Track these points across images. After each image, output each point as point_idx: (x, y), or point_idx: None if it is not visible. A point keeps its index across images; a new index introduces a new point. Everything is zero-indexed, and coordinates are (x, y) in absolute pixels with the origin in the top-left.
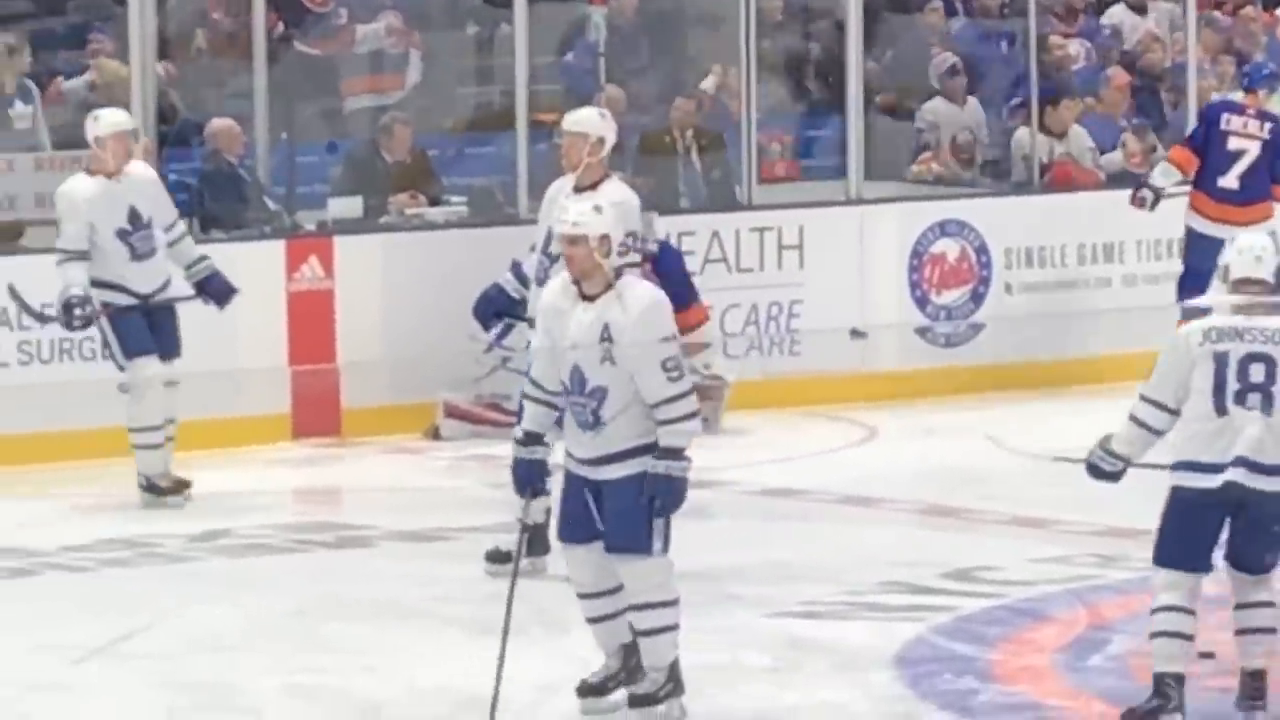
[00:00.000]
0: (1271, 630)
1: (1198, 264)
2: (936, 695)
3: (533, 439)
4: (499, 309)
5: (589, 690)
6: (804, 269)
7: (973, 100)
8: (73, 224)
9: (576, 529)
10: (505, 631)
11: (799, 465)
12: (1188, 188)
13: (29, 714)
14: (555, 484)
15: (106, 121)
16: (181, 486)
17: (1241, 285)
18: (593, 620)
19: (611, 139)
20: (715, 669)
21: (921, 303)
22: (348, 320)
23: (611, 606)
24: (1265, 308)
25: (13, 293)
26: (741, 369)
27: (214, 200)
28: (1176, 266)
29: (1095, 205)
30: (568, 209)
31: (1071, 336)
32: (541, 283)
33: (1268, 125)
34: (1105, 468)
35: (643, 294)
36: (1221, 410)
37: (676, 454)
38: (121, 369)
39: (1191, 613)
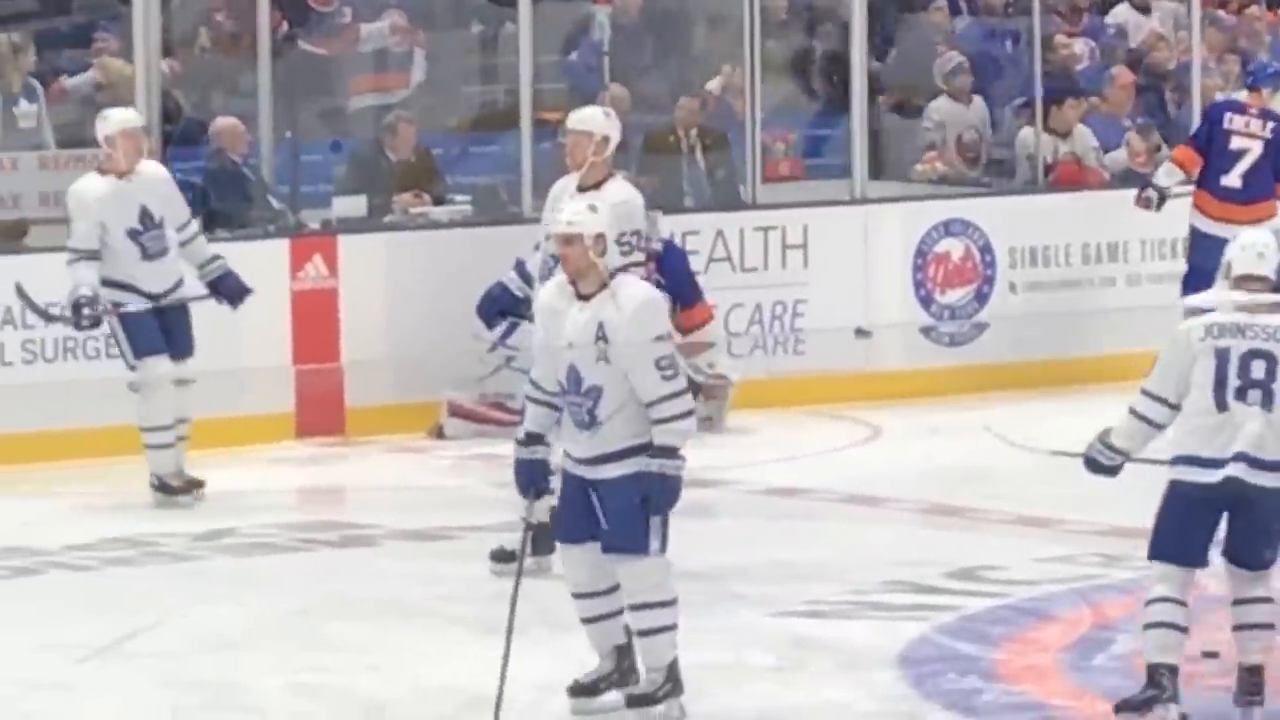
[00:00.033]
0: (1269, 626)
1: (1202, 263)
2: (940, 695)
3: (534, 439)
4: (503, 308)
5: (580, 690)
6: (808, 268)
7: (978, 99)
8: (83, 223)
9: (573, 529)
10: (509, 631)
11: (803, 464)
12: (1192, 187)
13: (33, 713)
14: (558, 483)
15: (115, 120)
16: (192, 486)
17: (1243, 282)
18: (587, 620)
19: (616, 138)
20: (719, 668)
21: (926, 302)
22: (352, 319)
23: (606, 607)
24: (1267, 306)
25: (20, 291)
26: (746, 368)
27: (218, 199)
28: (1180, 266)
29: (1099, 205)
30: (562, 209)
31: (1076, 336)
32: (545, 281)
33: (1270, 124)
34: (1104, 462)
35: (636, 293)
36: (1222, 406)
37: (671, 453)
38: (132, 368)
39: (1184, 604)
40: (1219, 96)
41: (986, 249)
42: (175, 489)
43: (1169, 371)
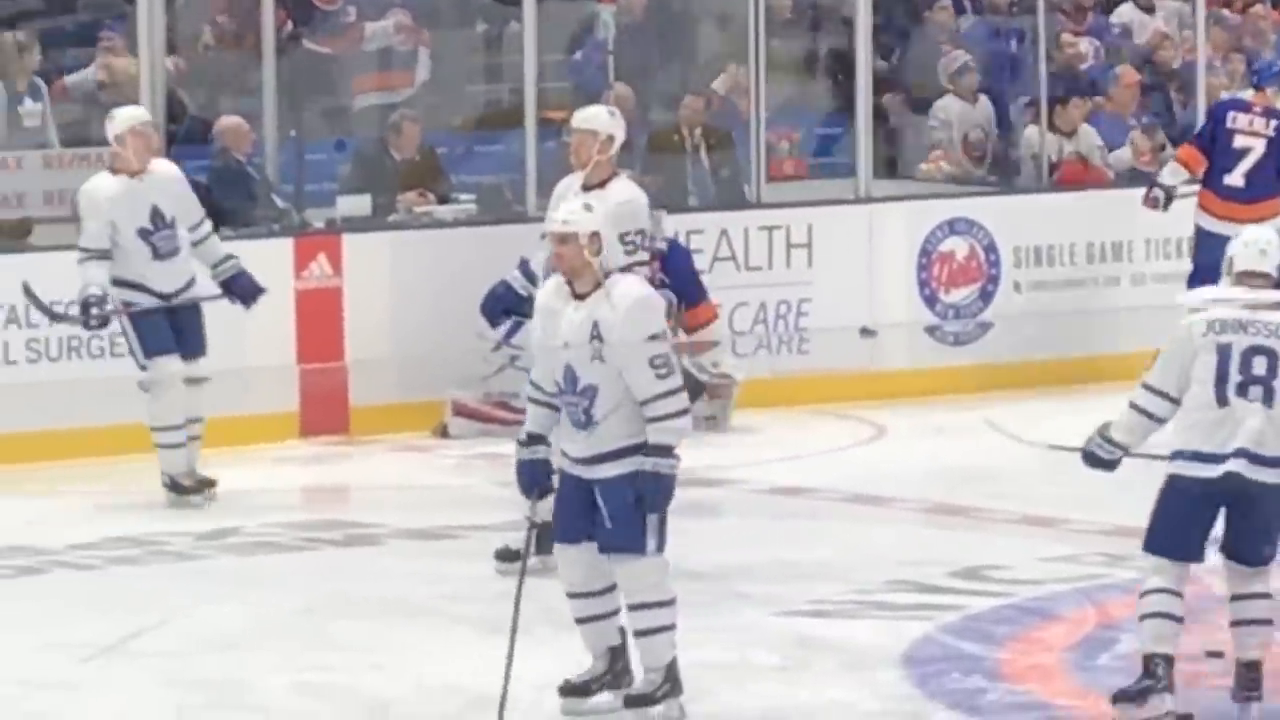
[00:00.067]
0: (1268, 622)
1: (1206, 262)
2: (944, 694)
3: (535, 440)
4: (507, 307)
5: (571, 690)
6: (813, 267)
7: (984, 98)
8: (94, 223)
9: (569, 528)
10: (514, 630)
11: (807, 464)
12: (1198, 186)
13: (37, 712)
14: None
15: (123, 118)
16: (204, 485)
17: (1245, 278)
18: (581, 620)
19: (620, 137)
20: (723, 668)
21: (930, 301)
22: (356, 318)
23: (600, 608)
24: (1269, 303)
25: (26, 290)
26: (750, 367)
27: (222, 198)
28: (1185, 265)
29: (1104, 204)
30: (557, 208)
31: (1080, 335)
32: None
33: (1274, 123)
34: (1102, 456)
35: (630, 291)
36: (1223, 401)
37: (665, 451)
38: (142, 368)
39: (1179, 595)
40: (1224, 95)
41: (991, 248)
42: (187, 489)
43: (1170, 366)
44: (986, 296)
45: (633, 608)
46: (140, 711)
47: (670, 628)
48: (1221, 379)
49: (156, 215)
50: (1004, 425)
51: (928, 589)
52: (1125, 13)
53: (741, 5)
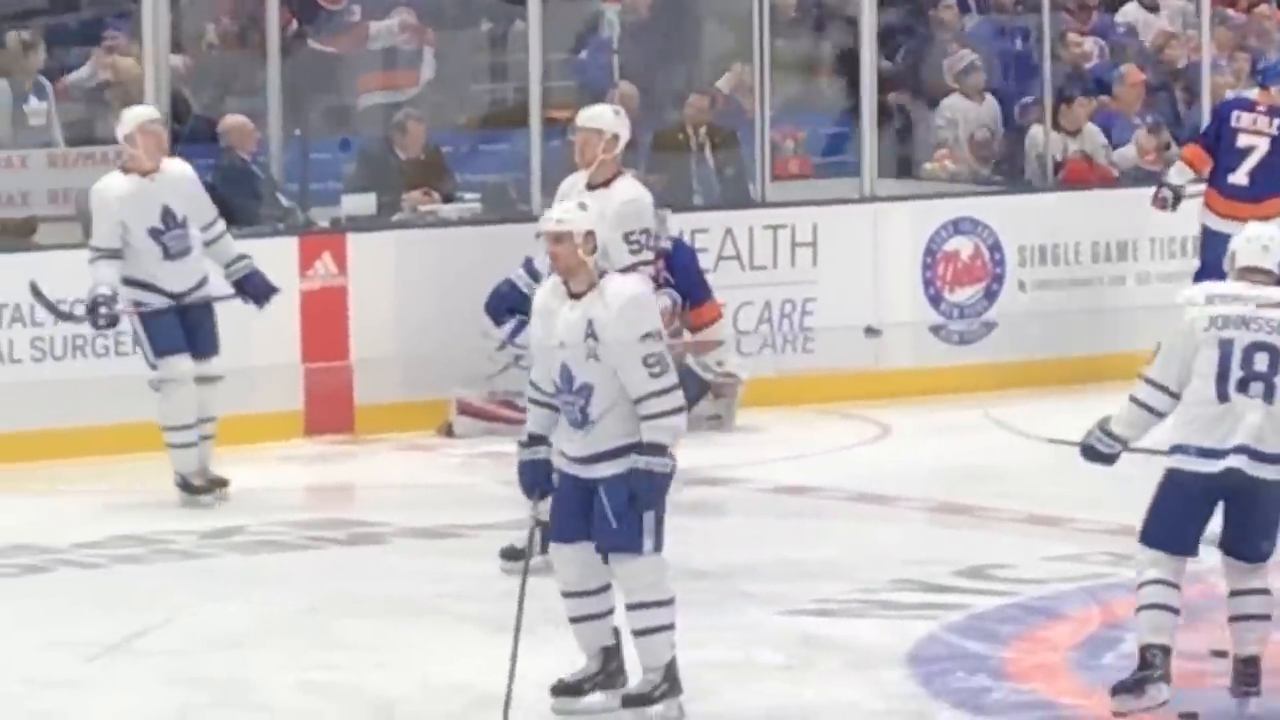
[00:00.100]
0: (1266, 617)
1: (1212, 260)
2: (949, 693)
3: (536, 440)
4: (511, 306)
5: (564, 690)
6: (817, 266)
7: (990, 97)
8: (104, 222)
9: (564, 528)
10: (517, 629)
11: (812, 463)
12: (1204, 186)
13: (42, 711)
14: None
15: (132, 117)
16: (215, 485)
17: (1247, 274)
18: (575, 620)
19: (625, 136)
20: (728, 666)
21: (935, 300)
22: (361, 317)
23: (595, 607)
24: (1271, 300)
25: (34, 290)
26: (755, 366)
27: (227, 197)
28: (1190, 264)
29: (1109, 203)
30: (551, 208)
31: (1085, 334)
32: None
33: (1278, 122)
34: (1102, 449)
35: (623, 290)
36: (1224, 397)
37: (659, 450)
38: (153, 367)
39: (1176, 587)
40: (1228, 94)
41: (996, 247)
42: (197, 488)
43: (1172, 360)
44: (991, 296)
45: (631, 607)
46: (145, 710)
47: (669, 627)
48: (1223, 375)
49: (168, 215)
50: (1009, 421)
51: (932, 588)
52: (1130, 12)
53: (746, 4)
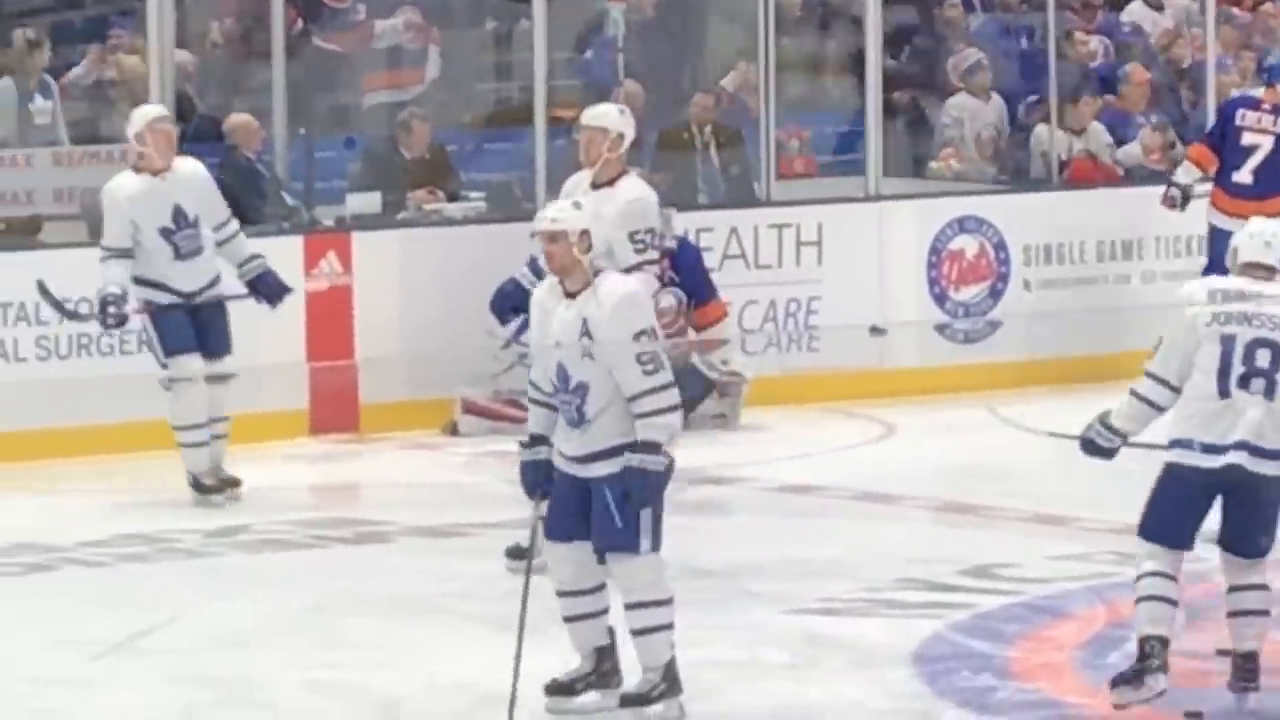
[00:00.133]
0: (1264, 612)
1: (1219, 259)
2: (954, 692)
3: (537, 441)
4: (516, 304)
5: (557, 689)
6: (822, 265)
7: (996, 96)
8: (115, 222)
9: (559, 526)
10: (521, 628)
11: (817, 462)
12: (1210, 185)
13: (47, 709)
14: None
15: (140, 116)
16: (226, 485)
17: (1249, 269)
18: (569, 619)
19: (630, 135)
20: (733, 665)
21: (940, 299)
22: (366, 316)
23: (589, 606)
24: (1270, 298)
25: (42, 289)
26: (760, 365)
27: (232, 196)
28: (1195, 263)
29: (1114, 202)
30: (546, 207)
31: (1090, 333)
32: None
33: None
34: (1101, 443)
35: (616, 288)
36: (1225, 393)
37: (652, 448)
38: (163, 367)
39: (1174, 579)
40: (1233, 93)
41: (1001, 246)
42: (208, 488)
43: (1174, 355)
44: (996, 294)
45: (629, 606)
46: (150, 709)
47: (668, 627)
48: (1224, 370)
49: (179, 214)
50: (1017, 419)
51: (937, 587)
52: (1135, 11)
53: (751, 3)
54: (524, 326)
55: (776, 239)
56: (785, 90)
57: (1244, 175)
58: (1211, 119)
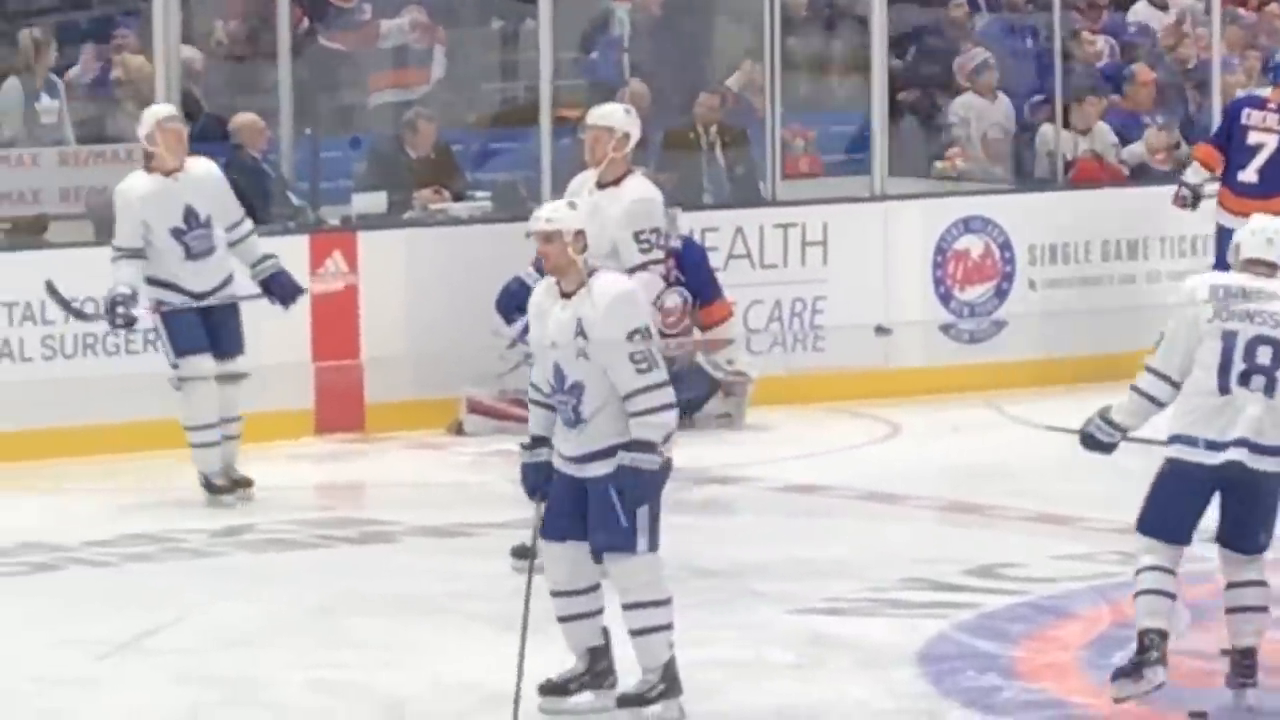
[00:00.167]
0: (1262, 609)
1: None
2: (959, 692)
3: (538, 442)
4: (521, 304)
5: (551, 689)
6: (828, 265)
7: (1003, 96)
8: (126, 222)
9: (554, 526)
10: (524, 628)
11: (822, 461)
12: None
13: (52, 709)
14: None
15: (149, 115)
16: (237, 485)
17: (1250, 265)
18: (563, 619)
19: (636, 135)
20: (738, 665)
21: (945, 299)
22: (371, 315)
23: (582, 607)
24: (1271, 295)
25: (50, 289)
26: (765, 365)
27: (238, 195)
28: (1200, 263)
29: (1119, 202)
30: (541, 207)
31: (1095, 333)
32: None
33: None
34: (1101, 438)
35: (610, 287)
36: (1225, 389)
37: (646, 447)
38: (174, 366)
39: (1172, 573)
40: (1239, 93)
41: (1006, 246)
42: (219, 488)
43: (1175, 350)
44: (1001, 294)
45: (627, 607)
46: (155, 708)
47: (666, 627)
48: (1225, 367)
49: (190, 215)
50: (1025, 418)
51: (942, 587)
52: (1140, 11)
53: (757, 3)
54: (529, 326)
55: (782, 239)
56: (791, 90)
57: (1249, 174)
58: (1217, 119)
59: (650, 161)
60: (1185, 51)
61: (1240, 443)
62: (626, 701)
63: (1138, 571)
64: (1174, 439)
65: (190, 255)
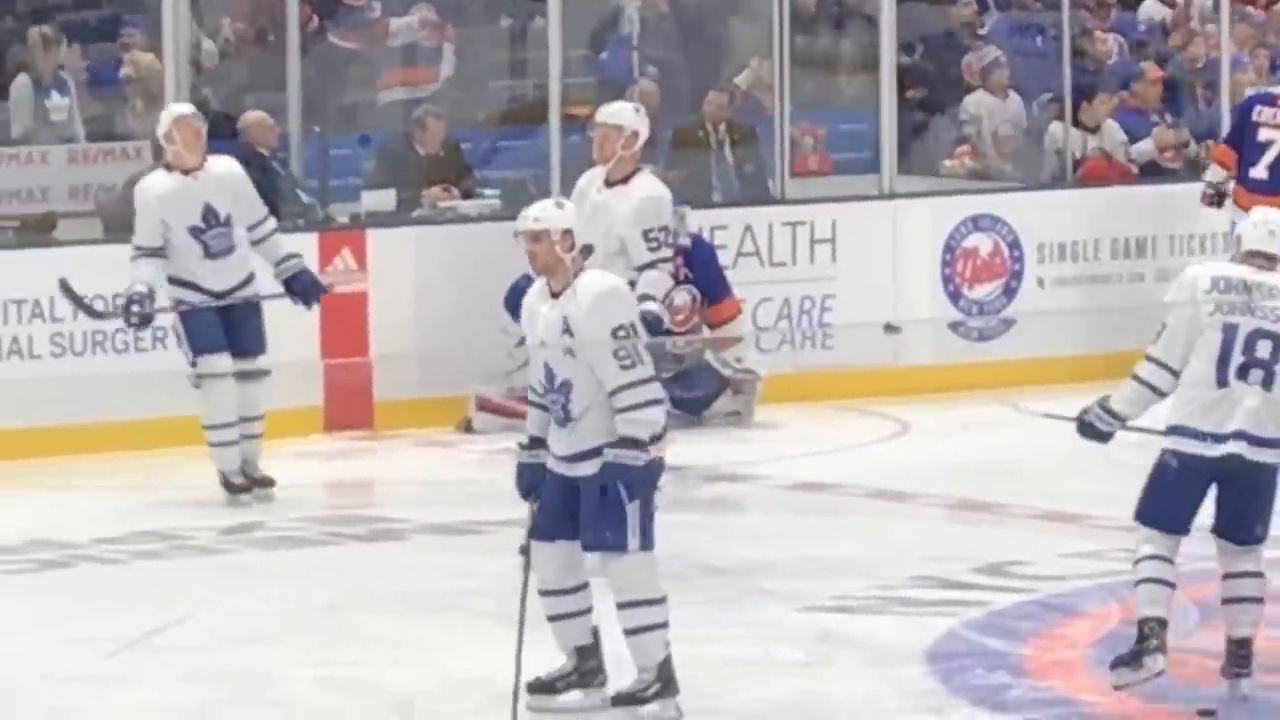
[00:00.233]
0: (1259, 600)
1: None
2: (968, 690)
3: (536, 443)
4: None
5: (539, 687)
6: (836, 263)
7: (1014, 94)
8: (145, 221)
9: (545, 526)
10: (521, 626)
11: (831, 459)
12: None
13: (61, 706)
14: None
15: (166, 114)
16: (254, 484)
17: (1251, 258)
18: (551, 618)
19: (644, 134)
20: (746, 663)
21: (954, 297)
22: (380, 313)
23: (570, 606)
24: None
25: (64, 287)
26: (774, 363)
27: None
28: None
29: (1128, 200)
30: (529, 206)
31: (1104, 331)
32: None
33: None
34: (1100, 427)
35: (593, 284)
36: (1223, 382)
37: (631, 443)
38: (192, 365)
39: (1171, 562)
40: (1248, 91)
41: (1015, 244)
42: (237, 487)
43: (1177, 340)
44: (1010, 292)
45: (620, 606)
46: (164, 705)
47: (661, 626)
48: (1224, 360)
49: (209, 213)
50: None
51: (951, 585)
52: (1148, 9)
53: (766, 1)
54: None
55: (791, 236)
56: (800, 88)
57: (1260, 171)
58: (1226, 116)
59: (659, 159)
60: (1195, 50)
61: (1239, 435)
62: (622, 700)
63: (1136, 561)
64: (1172, 430)
65: (209, 254)
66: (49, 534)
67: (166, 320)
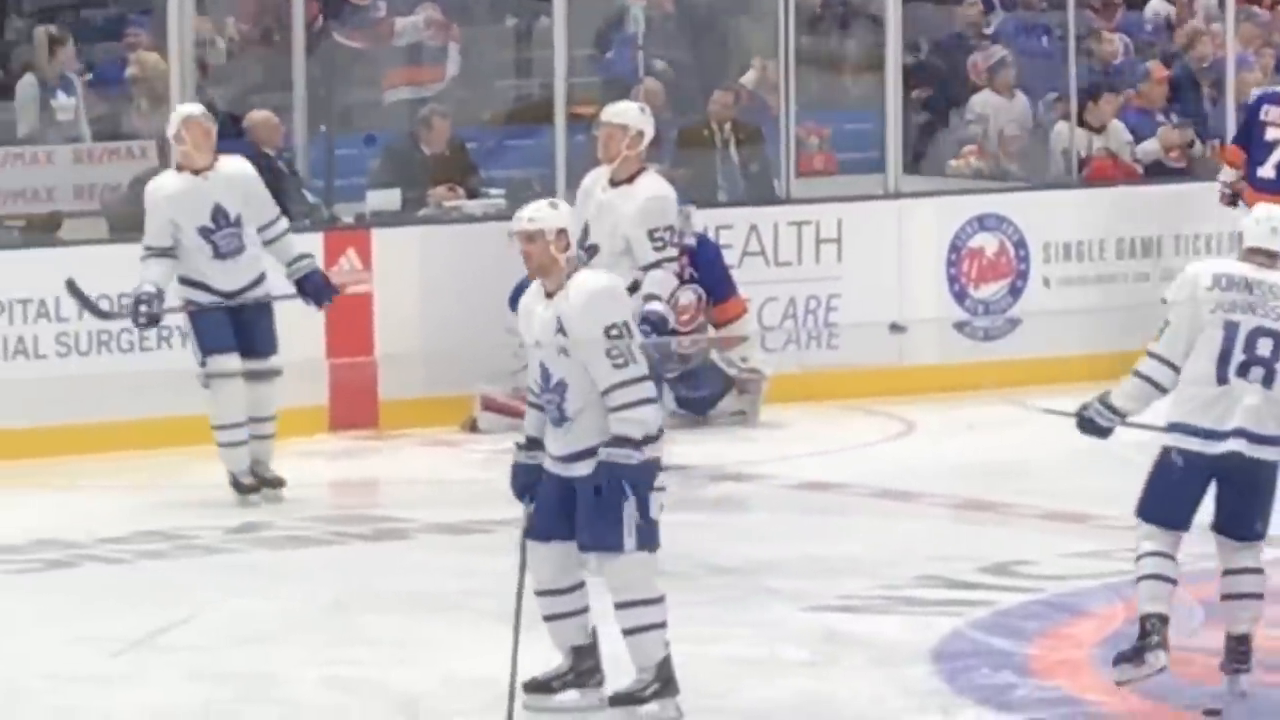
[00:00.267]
0: (1259, 596)
1: None
2: (973, 690)
3: (532, 444)
4: None
5: (535, 687)
6: (842, 262)
7: (1020, 94)
8: (154, 221)
9: (540, 526)
10: (517, 626)
11: (836, 459)
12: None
13: (66, 706)
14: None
15: (176, 115)
16: (263, 484)
17: (1252, 255)
18: (547, 618)
19: (650, 134)
20: (751, 662)
21: (960, 297)
22: (385, 313)
23: (565, 606)
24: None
25: (72, 287)
26: (779, 362)
27: None
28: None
29: (1133, 200)
30: (524, 206)
31: (1109, 331)
32: None
33: None
34: (1100, 423)
35: (586, 284)
36: (1223, 379)
37: (625, 443)
38: (202, 365)
39: (1173, 558)
40: (1254, 90)
41: (1020, 244)
42: (246, 487)
43: (1179, 336)
44: (1016, 292)
45: (618, 606)
46: (169, 705)
47: (659, 626)
48: (1225, 357)
49: (219, 213)
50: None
51: (956, 584)
52: (1153, 8)
53: (772, 1)
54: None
55: (796, 236)
56: (805, 88)
57: (1268, 170)
58: (1231, 116)
59: (665, 159)
60: (1200, 49)
61: (1239, 433)
62: (620, 700)
63: (1138, 558)
64: (1172, 427)
65: (219, 254)
66: (54, 534)
67: (172, 320)
